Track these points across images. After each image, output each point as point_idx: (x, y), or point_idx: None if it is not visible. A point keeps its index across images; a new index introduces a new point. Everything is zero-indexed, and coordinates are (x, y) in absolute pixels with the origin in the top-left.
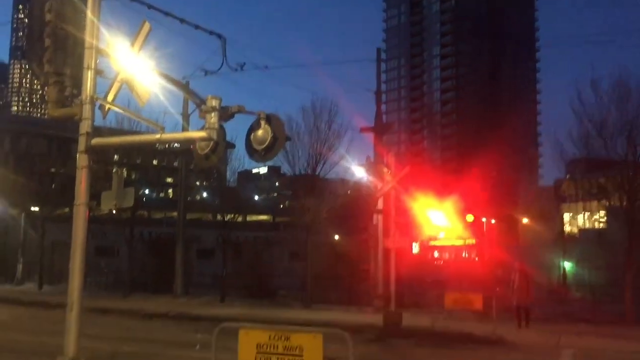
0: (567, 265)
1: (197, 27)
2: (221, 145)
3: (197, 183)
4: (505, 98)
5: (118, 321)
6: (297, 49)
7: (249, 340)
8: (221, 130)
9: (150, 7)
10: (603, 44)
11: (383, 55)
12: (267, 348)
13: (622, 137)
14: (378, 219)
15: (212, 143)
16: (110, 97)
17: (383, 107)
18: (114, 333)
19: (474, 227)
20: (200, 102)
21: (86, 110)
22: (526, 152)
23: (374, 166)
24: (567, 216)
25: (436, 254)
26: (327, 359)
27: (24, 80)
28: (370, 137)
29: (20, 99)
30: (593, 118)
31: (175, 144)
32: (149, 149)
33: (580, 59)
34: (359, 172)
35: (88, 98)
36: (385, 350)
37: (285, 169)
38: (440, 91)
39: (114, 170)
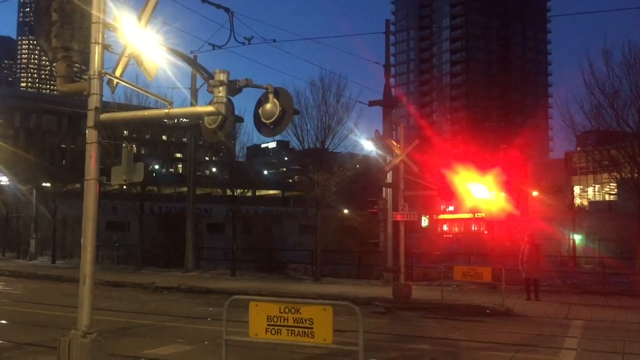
0: (577, 237)
1: (204, 0)
2: (229, 119)
3: (207, 158)
4: (515, 70)
5: (130, 294)
6: (305, 22)
7: (260, 312)
8: (229, 105)
9: None
10: (616, 13)
11: (392, 28)
12: (277, 320)
13: (634, 109)
14: (387, 193)
15: (220, 117)
16: (118, 72)
17: (392, 80)
18: (126, 306)
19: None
20: (208, 76)
21: (94, 85)
22: (537, 124)
23: (382, 139)
24: (577, 189)
25: (445, 228)
26: (337, 331)
27: (32, 57)
28: (379, 110)
29: (29, 75)
30: (605, 89)
31: (184, 119)
32: (158, 125)
33: (592, 30)
34: (367, 145)
35: (96, 73)
36: (394, 323)
37: (294, 143)
38: (450, 64)
39: (124, 145)
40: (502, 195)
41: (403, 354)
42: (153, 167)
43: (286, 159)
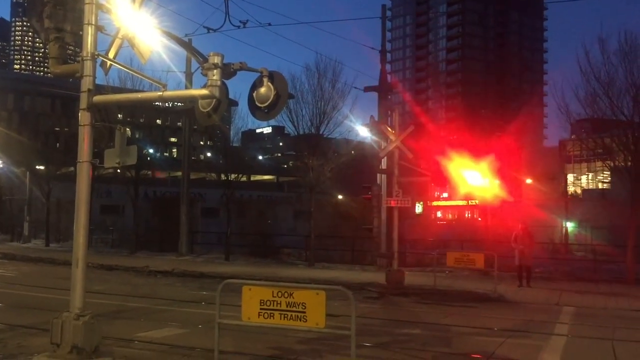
0: (570, 225)
1: None
2: (223, 102)
3: (201, 143)
4: (511, 58)
5: (124, 278)
6: (301, 7)
7: (253, 296)
8: (223, 88)
9: None
10: (613, 1)
11: (388, 13)
12: (270, 304)
13: (629, 97)
14: (382, 179)
15: (214, 101)
16: (111, 54)
17: (388, 66)
18: (119, 289)
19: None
20: (203, 60)
21: (87, 66)
22: (532, 112)
23: (377, 126)
24: (570, 177)
25: (439, 214)
26: (330, 316)
27: (26, 38)
28: (374, 96)
29: (23, 57)
30: (600, 77)
31: (179, 104)
32: (152, 108)
33: (589, 17)
34: (362, 131)
35: (89, 54)
36: (387, 308)
37: (289, 128)
38: (446, 50)
39: (117, 127)
40: (496, 182)
41: (395, 338)
42: (147, 151)
43: (281, 144)
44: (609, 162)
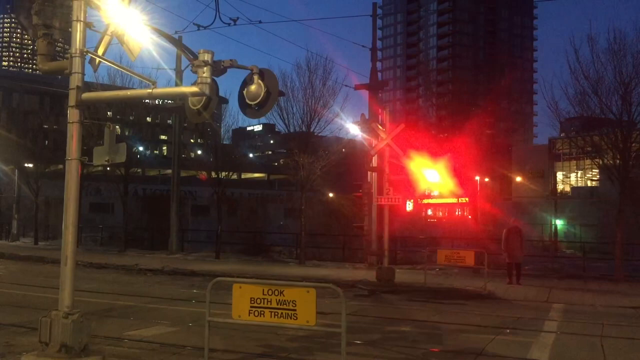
0: (559, 222)
1: None
2: (213, 100)
3: (192, 140)
4: (501, 56)
5: (114, 276)
6: (292, 4)
7: (243, 294)
8: (213, 85)
9: None
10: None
11: (379, 11)
12: (260, 302)
13: (617, 95)
14: (372, 177)
15: (204, 98)
16: (100, 51)
17: (378, 64)
18: (109, 288)
19: (468, 185)
20: (193, 57)
21: (76, 63)
22: (522, 110)
23: (368, 123)
24: (560, 175)
25: (429, 212)
26: (321, 314)
27: (14, 35)
28: (365, 94)
29: (11, 53)
30: (589, 76)
31: (169, 101)
32: (142, 106)
33: (578, 16)
34: (353, 129)
35: (77, 51)
36: (377, 305)
37: (280, 126)
38: (437, 48)
39: (107, 124)
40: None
41: (385, 336)
42: (137, 148)
43: (272, 142)
44: (597, 160)
